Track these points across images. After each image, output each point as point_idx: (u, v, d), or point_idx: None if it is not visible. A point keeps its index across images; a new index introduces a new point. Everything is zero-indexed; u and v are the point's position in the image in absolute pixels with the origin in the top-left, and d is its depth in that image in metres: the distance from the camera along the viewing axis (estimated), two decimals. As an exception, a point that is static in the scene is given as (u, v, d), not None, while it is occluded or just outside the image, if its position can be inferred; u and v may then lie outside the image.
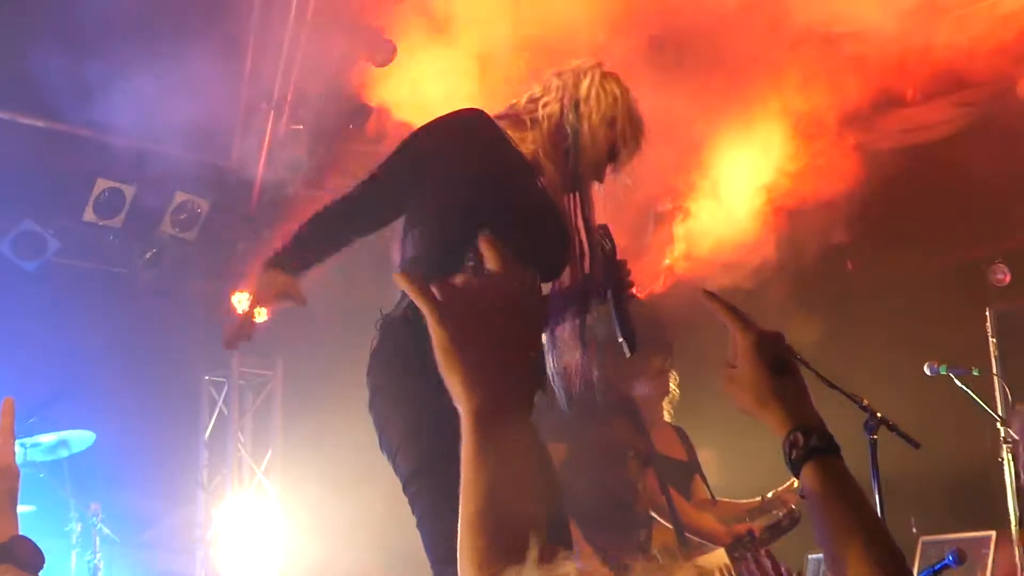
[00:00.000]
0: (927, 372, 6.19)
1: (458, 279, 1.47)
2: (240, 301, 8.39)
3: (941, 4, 6.64)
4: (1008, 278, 7.88)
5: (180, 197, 8.34)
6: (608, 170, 3.52)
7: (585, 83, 3.45)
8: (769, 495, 5.45)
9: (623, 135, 3.47)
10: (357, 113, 7.42)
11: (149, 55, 7.21)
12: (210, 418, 9.05)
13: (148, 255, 8.50)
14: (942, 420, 6.53)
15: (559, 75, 3.50)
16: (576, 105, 3.42)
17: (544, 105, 3.45)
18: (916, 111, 7.49)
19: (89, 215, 8.07)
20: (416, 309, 3.15)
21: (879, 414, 4.44)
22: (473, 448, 1.41)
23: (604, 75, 3.50)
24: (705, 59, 6.78)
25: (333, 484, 8.19)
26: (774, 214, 7.31)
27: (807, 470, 1.63)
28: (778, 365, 1.72)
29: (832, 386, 4.45)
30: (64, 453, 6.66)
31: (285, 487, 8.95)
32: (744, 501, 5.47)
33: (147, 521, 8.12)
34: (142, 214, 8.29)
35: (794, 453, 1.65)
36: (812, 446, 1.64)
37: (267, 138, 7.76)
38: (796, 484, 5.32)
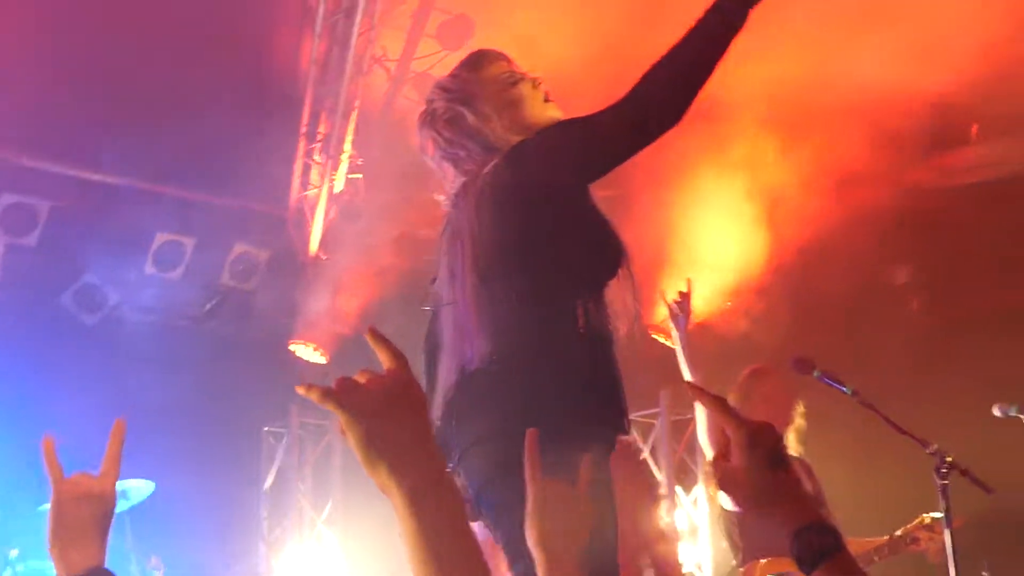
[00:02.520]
0: (996, 413, 6.04)
1: (358, 376, 1.55)
2: (297, 350, 8.42)
3: (1000, 39, 6.57)
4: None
5: (239, 248, 8.40)
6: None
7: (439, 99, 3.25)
8: (898, 532, 5.35)
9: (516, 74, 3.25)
10: (415, 162, 7.43)
11: (209, 109, 7.30)
12: (270, 469, 9.04)
13: (207, 306, 8.56)
14: (1015, 463, 6.37)
15: (428, 121, 3.26)
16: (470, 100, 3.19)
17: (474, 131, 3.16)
18: (980, 149, 7.41)
19: (149, 268, 8.14)
20: None
21: (949, 458, 4.33)
22: (418, 530, 1.52)
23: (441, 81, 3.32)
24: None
25: (395, 533, 8.11)
26: (832, 252, 7.24)
27: (821, 572, 1.63)
28: (772, 460, 1.71)
29: (901, 431, 4.36)
30: (124, 504, 6.66)
31: (346, 537, 8.90)
32: (871, 539, 5.37)
33: (208, 573, 8.10)
34: (201, 266, 8.36)
35: (806, 554, 1.64)
36: (824, 547, 1.64)
37: (325, 187, 7.79)
38: (927, 519, 5.26)
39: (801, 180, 7.18)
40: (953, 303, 8.06)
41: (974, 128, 7.49)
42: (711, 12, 2.89)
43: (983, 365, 7.20)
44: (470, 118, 3.17)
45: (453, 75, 3.29)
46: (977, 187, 7.41)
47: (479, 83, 3.21)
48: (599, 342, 2.99)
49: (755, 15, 2.85)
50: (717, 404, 1.77)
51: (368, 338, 1.59)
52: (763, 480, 1.69)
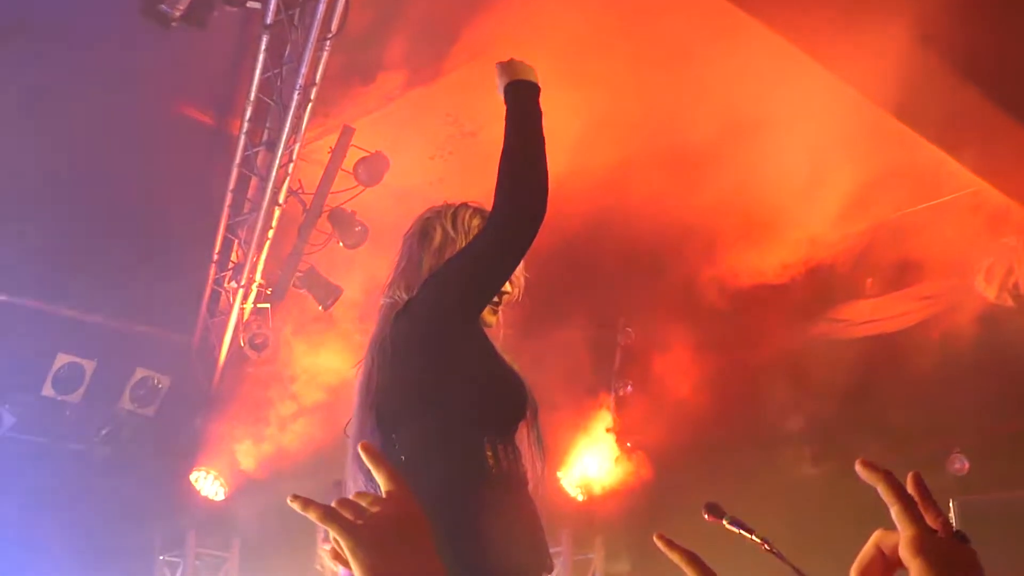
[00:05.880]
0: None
1: (362, 500, 1.44)
2: (197, 479, 8.27)
3: (891, 201, 6.90)
4: (967, 467, 7.90)
5: (140, 373, 8.29)
6: None
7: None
8: None
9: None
10: (328, 293, 7.44)
11: (117, 232, 7.26)
12: (165, 600, 8.80)
13: (105, 431, 8.38)
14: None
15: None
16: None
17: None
18: (876, 302, 7.64)
19: (48, 390, 7.98)
20: None
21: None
22: None
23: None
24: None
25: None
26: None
27: None
28: None
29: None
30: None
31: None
32: None
33: None
34: (101, 389, 8.21)
35: None
36: None
37: (233, 316, 7.75)
38: None
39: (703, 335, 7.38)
40: (847, 455, 8.22)
41: (869, 281, 7.74)
42: (513, 112, 3.06)
43: (881, 518, 7.32)
44: (427, 252, 3.14)
45: (472, 212, 3.21)
46: (870, 340, 7.63)
47: (469, 236, 3.13)
48: (512, 482, 2.94)
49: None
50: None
51: (363, 454, 1.49)
52: None
